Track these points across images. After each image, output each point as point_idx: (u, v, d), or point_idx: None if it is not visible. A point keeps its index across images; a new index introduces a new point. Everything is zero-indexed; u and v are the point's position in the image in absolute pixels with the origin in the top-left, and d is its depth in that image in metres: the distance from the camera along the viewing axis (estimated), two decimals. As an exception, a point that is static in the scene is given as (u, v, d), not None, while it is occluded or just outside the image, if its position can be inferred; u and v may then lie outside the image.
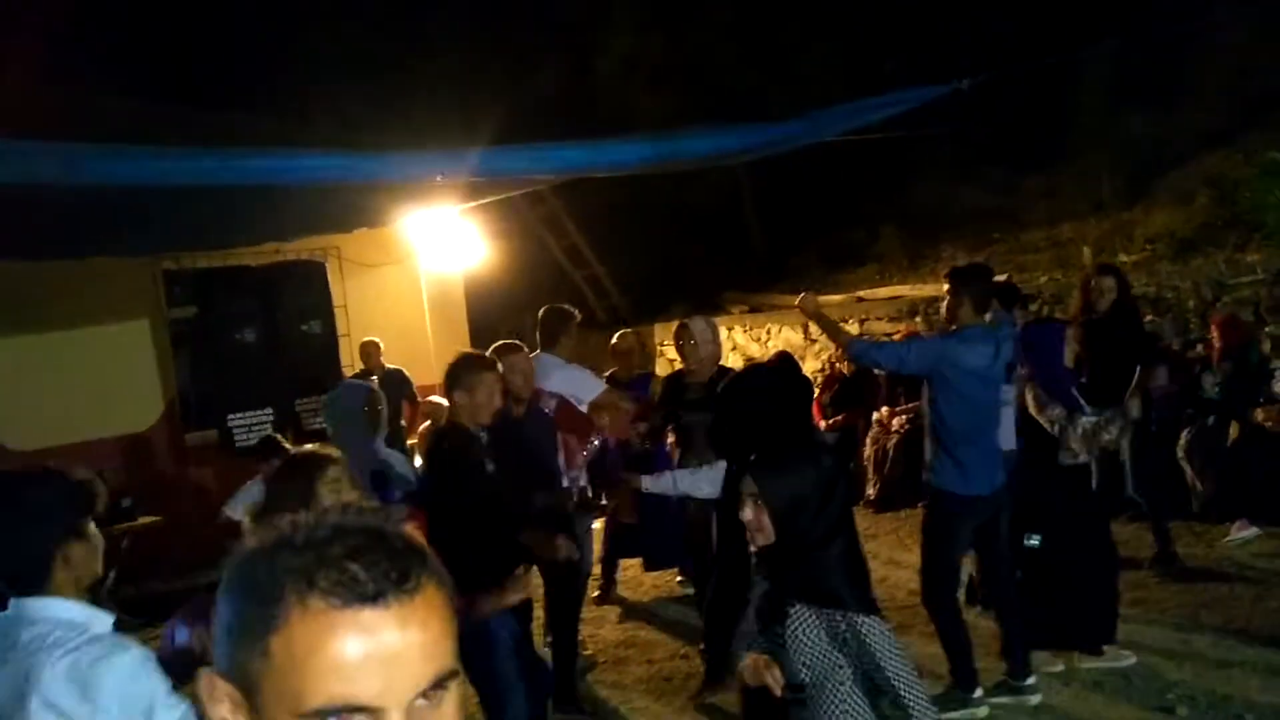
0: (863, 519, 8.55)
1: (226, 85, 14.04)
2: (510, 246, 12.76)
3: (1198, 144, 11.66)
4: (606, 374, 7.11)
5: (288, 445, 5.89)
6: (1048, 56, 9.56)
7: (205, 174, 4.32)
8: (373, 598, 0.99)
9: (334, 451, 3.01)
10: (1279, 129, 10.35)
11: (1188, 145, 11.68)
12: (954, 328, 5.04)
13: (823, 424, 9.58)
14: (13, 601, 2.05)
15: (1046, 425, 5.34)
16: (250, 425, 9.23)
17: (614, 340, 8.14)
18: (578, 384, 5.79)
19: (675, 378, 6.18)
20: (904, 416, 9.10)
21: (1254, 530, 6.82)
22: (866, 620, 2.60)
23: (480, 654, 3.87)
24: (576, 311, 6.17)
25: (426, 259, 10.85)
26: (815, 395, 9.78)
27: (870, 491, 9.13)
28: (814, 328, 11.27)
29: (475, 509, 4.07)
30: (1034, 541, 5.18)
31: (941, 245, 13.04)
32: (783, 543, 2.72)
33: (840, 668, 2.61)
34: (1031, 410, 5.39)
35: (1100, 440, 5.50)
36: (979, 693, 4.89)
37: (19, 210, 5.54)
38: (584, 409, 5.76)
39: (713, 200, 15.44)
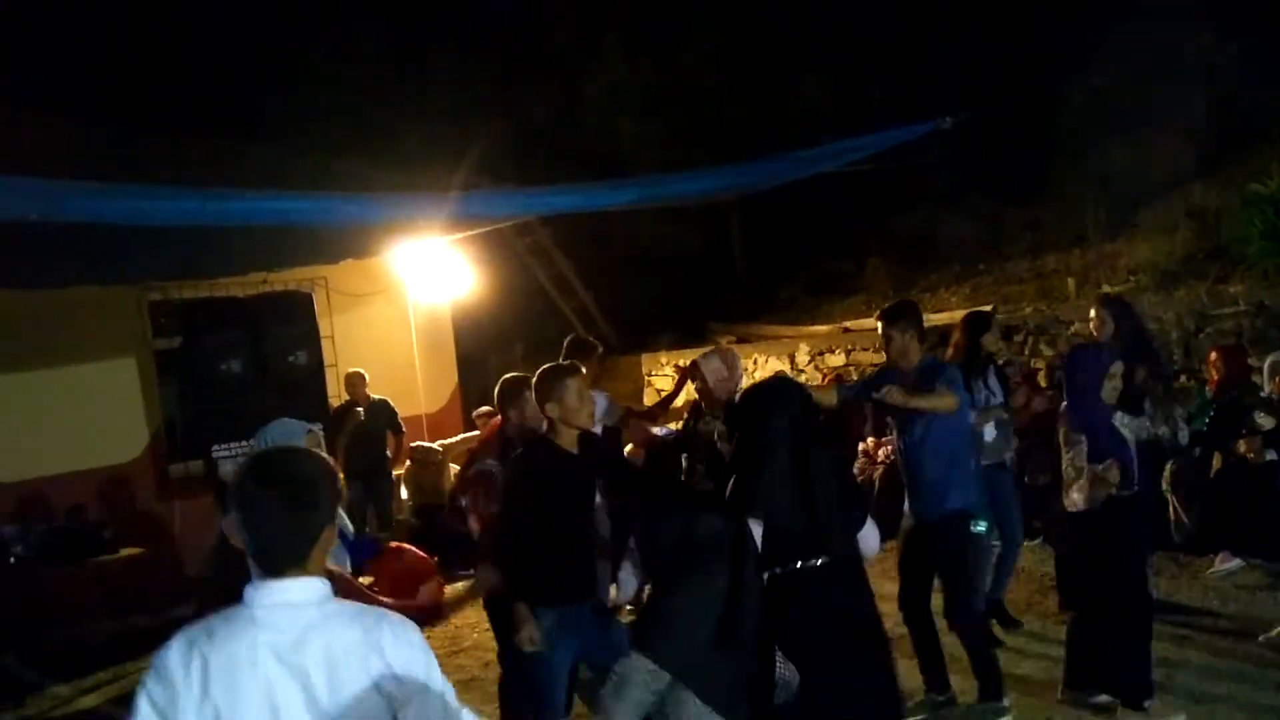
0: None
1: (217, 115, 14.09)
2: (498, 277, 12.78)
3: (1180, 175, 11.76)
4: None
5: None
6: (1029, 91, 9.67)
7: (187, 215, 4.36)
8: None
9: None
10: (1261, 160, 10.45)
11: (1170, 176, 11.78)
12: (915, 364, 5.19)
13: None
14: (268, 585, 2.07)
15: (1065, 462, 4.91)
16: (236, 457, 9.19)
17: None
18: (602, 409, 5.94)
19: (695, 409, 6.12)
20: (889, 447, 9.11)
21: (1237, 562, 6.83)
22: (682, 691, 2.63)
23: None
24: (599, 344, 6.56)
25: (414, 289, 10.88)
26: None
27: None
28: (800, 357, 11.35)
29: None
30: (980, 528, 5.25)
31: (927, 276, 13.11)
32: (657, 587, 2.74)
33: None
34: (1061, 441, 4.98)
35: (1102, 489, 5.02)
36: (1007, 701, 5.06)
37: (-2, 239, 5.56)
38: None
39: (700, 230, 15.51)
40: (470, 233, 8.67)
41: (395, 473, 9.84)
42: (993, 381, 6.43)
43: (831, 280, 14.28)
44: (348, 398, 9.48)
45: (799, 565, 3.41)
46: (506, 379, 5.35)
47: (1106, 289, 10.37)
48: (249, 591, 2.07)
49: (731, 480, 3.59)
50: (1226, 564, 6.84)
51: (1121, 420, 4.95)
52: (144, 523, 8.80)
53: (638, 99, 15.04)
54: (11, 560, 7.83)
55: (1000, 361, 8.84)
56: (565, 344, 6.43)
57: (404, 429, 9.77)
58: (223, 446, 9.07)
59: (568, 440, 4.30)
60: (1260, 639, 5.68)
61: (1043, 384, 9.38)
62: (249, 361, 9.35)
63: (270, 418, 9.56)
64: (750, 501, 3.38)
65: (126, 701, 6.72)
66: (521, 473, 4.38)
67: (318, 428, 4.79)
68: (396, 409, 9.65)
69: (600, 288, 14.87)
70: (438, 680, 2.12)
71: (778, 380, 4.10)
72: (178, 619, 7.52)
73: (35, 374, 8.71)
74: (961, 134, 10.33)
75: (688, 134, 14.01)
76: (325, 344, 10.12)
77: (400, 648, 2.08)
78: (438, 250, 10.27)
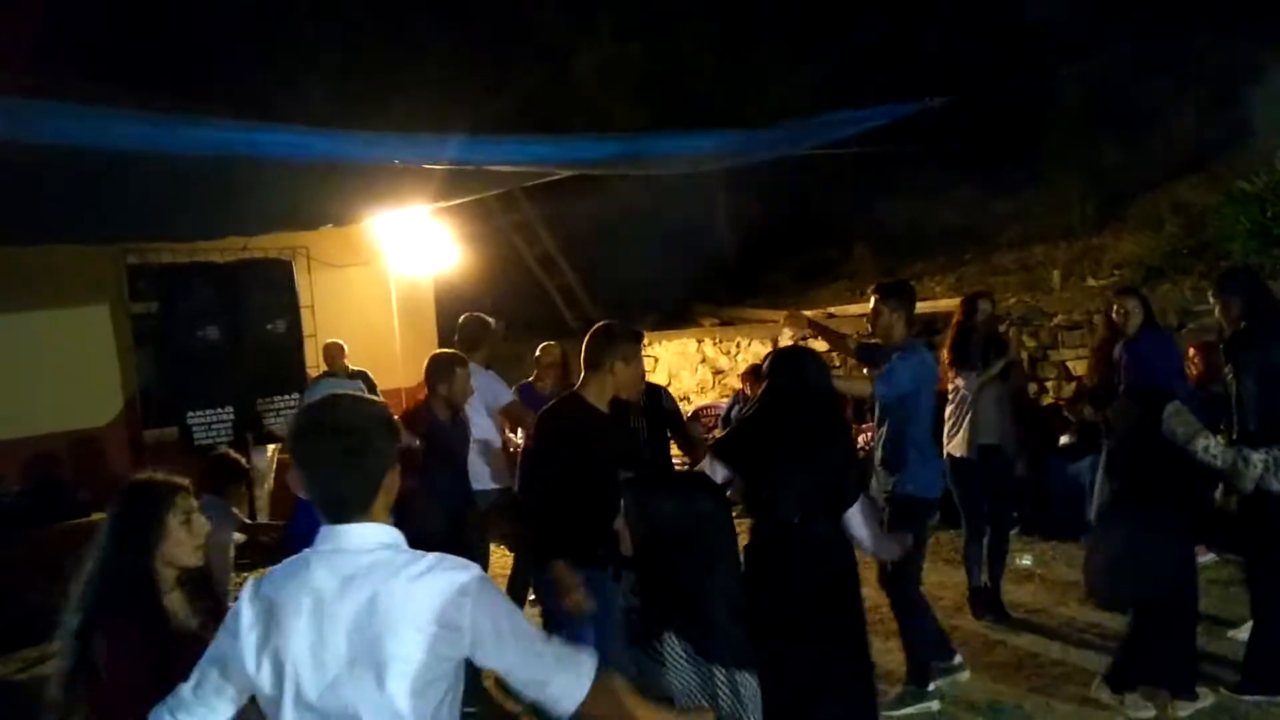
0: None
1: (200, 83, 13.92)
2: (482, 251, 12.69)
3: (1167, 171, 11.78)
4: (526, 381, 7.11)
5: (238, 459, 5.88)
6: (1020, 79, 9.64)
7: (155, 140, 4.24)
8: None
9: (184, 481, 3.00)
10: (1248, 158, 10.45)
11: (1158, 172, 11.79)
12: (898, 343, 5.22)
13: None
14: (327, 530, 2.09)
15: (1201, 454, 4.61)
16: (210, 423, 9.12)
17: (538, 350, 7.31)
18: (492, 391, 6.14)
19: None
20: (869, 434, 9.09)
21: (1211, 556, 6.85)
22: (743, 675, 2.55)
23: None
24: (493, 321, 6.54)
25: (396, 261, 10.78)
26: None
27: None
28: (784, 341, 11.28)
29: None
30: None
31: (913, 264, 13.09)
32: (658, 570, 2.65)
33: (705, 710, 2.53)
34: (1175, 435, 4.64)
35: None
36: (932, 686, 5.18)
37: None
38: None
39: (687, 212, 15.44)
40: (453, 202, 8.57)
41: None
42: (989, 356, 6.45)
43: (817, 266, 14.26)
44: (325, 368, 9.40)
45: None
46: (436, 354, 5.57)
47: (1092, 283, 10.37)
48: (317, 537, 2.11)
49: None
50: (1201, 558, 6.84)
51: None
52: (117, 486, 8.70)
53: (628, 80, 14.96)
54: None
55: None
56: (461, 321, 6.48)
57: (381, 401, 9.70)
58: (197, 413, 9.00)
59: (597, 397, 4.27)
60: (1229, 634, 5.68)
61: (1025, 374, 9.39)
62: (227, 328, 9.26)
63: (247, 386, 9.55)
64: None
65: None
66: (548, 427, 4.30)
67: (361, 386, 4.80)
68: (375, 381, 9.58)
69: (585, 266, 14.82)
70: (505, 625, 2.09)
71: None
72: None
73: (10, 334, 8.61)
74: (950, 121, 10.34)
75: (677, 118, 13.93)
76: (305, 313, 10.03)
77: (458, 593, 2.04)
78: (420, 222, 10.18)
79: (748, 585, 2.82)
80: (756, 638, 2.64)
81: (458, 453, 5.50)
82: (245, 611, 2.08)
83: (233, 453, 6.90)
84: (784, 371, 4.12)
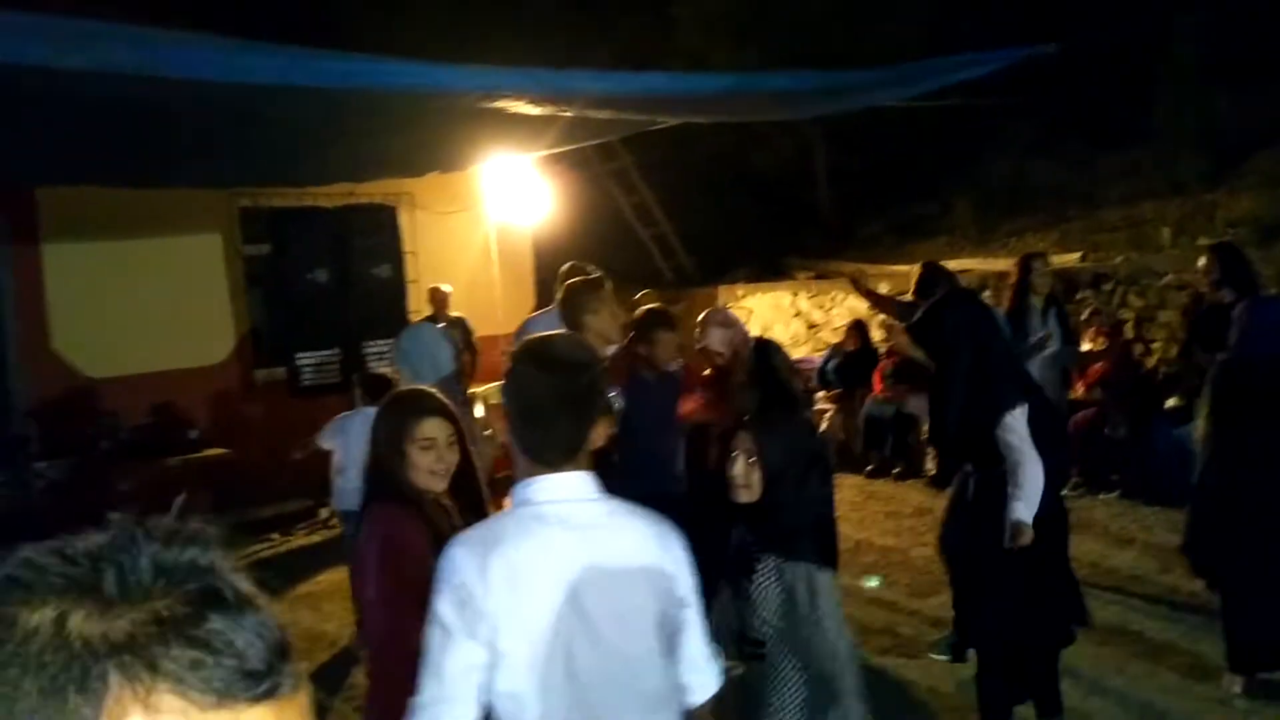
0: (921, 494, 8.53)
1: (300, 22, 14.08)
2: (579, 201, 12.76)
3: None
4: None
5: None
6: (1133, 28, 9.28)
7: (276, 72, 4.34)
8: (263, 688, 0.64)
9: (440, 395, 2.92)
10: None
11: (1277, 126, 11.33)
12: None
13: (882, 394, 9.53)
14: (540, 479, 1.98)
15: None
16: (318, 365, 9.37)
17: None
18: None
19: None
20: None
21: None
22: (821, 574, 2.83)
23: None
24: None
25: (496, 209, 10.89)
26: (878, 365, 9.74)
27: (930, 467, 9.05)
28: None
29: None
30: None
31: (1014, 220, 12.82)
32: (764, 499, 2.89)
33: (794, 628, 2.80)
34: None
35: None
36: None
37: (91, 133, 5.65)
38: None
39: (784, 165, 15.31)
40: (554, 150, 8.63)
41: (470, 390, 9.94)
42: (1051, 322, 6.51)
43: (915, 221, 14.03)
44: (429, 312, 9.59)
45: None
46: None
47: (1204, 241, 10.06)
48: (522, 489, 1.99)
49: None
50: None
51: None
52: (228, 425, 9.01)
53: (731, 27, 14.78)
54: (99, 454, 8.08)
55: (1087, 312, 8.73)
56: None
57: (479, 348, 9.86)
58: (305, 354, 9.24)
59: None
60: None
61: (1130, 335, 9.19)
62: (334, 272, 9.47)
63: (353, 328, 9.75)
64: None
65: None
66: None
67: (453, 330, 4.85)
68: (474, 328, 9.73)
69: (680, 217, 14.80)
70: (695, 587, 2.06)
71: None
72: (257, 520, 7.76)
73: (129, 273, 8.91)
74: (1059, 73, 10.02)
75: (781, 65, 13.76)
76: (407, 259, 10.20)
77: (684, 552, 2.03)
78: (520, 171, 10.27)
79: None
80: None
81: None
82: (469, 571, 1.89)
83: (388, 371, 7.11)
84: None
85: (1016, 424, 3.80)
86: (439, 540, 2.20)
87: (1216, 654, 4.94)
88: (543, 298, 11.75)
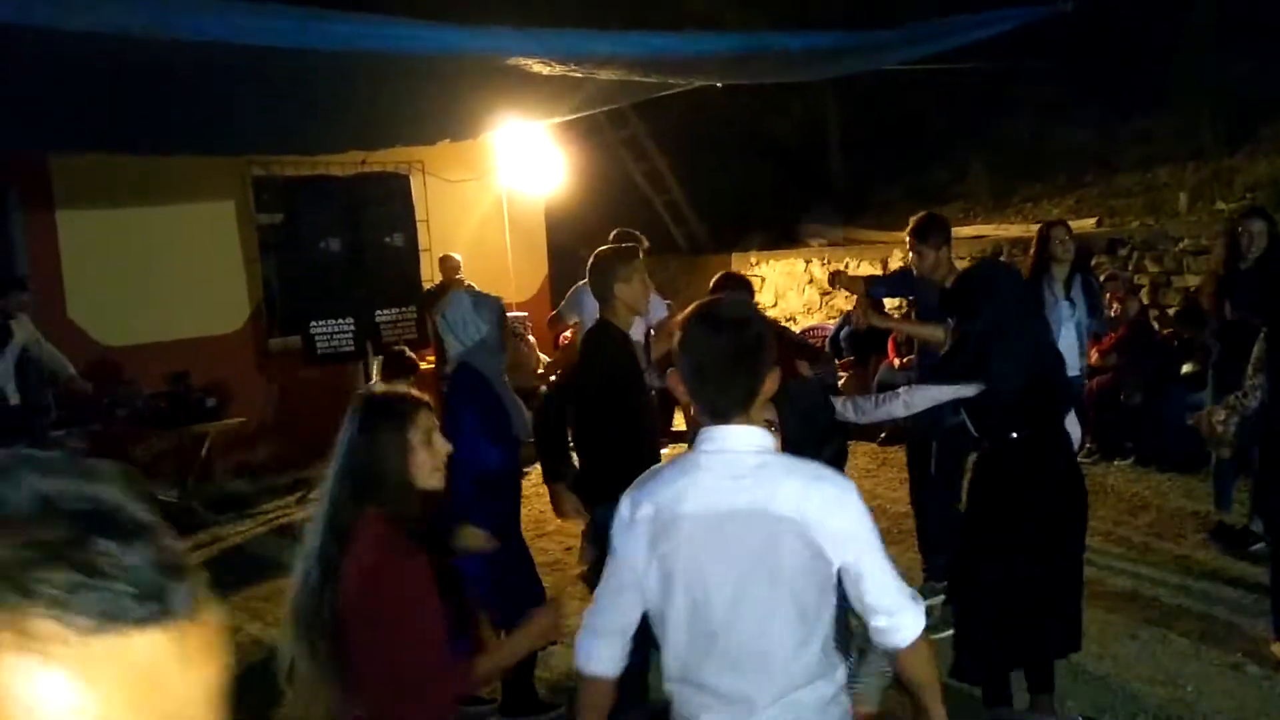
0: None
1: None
2: (591, 169, 12.71)
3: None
4: None
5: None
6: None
7: (286, 34, 4.32)
8: (151, 610, 0.62)
9: (424, 396, 2.72)
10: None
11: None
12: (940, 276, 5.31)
13: (896, 362, 9.51)
14: (711, 429, 2.10)
15: None
16: (332, 334, 9.37)
17: None
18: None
19: None
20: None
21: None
22: None
23: None
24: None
25: (509, 178, 10.88)
26: (892, 333, 9.70)
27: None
28: (893, 263, 11.14)
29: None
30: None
31: (1030, 186, 12.74)
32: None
33: None
34: None
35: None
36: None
37: (102, 99, 5.65)
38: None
39: (797, 131, 15.21)
40: (568, 118, 8.60)
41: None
42: (1076, 293, 6.35)
43: (930, 187, 13.93)
44: (440, 280, 9.62)
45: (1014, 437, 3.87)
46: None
47: (1221, 206, 9.99)
48: (698, 439, 2.12)
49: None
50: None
51: None
52: (243, 393, 9.06)
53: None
54: (117, 422, 8.14)
55: (1103, 277, 8.66)
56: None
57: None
58: (320, 323, 9.26)
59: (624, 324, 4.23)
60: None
61: (1145, 301, 9.14)
62: (347, 241, 9.43)
63: (367, 297, 9.76)
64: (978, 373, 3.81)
65: (223, 563, 7.04)
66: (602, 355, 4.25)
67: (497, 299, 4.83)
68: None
69: (693, 184, 14.73)
70: (875, 543, 2.11)
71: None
72: (275, 486, 7.82)
73: (144, 242, 8.95)
74: (1074, 35, 9.87)
75: (792, 25, 13.60)
76: (420, 228, 10.19)
77: (838, 505, 2.07)
78: (532, 138, 10.24)
79: None
80: None
81: None
82: (626, 512, 2.10)
83: (408, 350, 7.16)
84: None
85: (940, 394, 4.00)
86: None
87: (1227, 620, 4.95)
88: (554, 266, 11.76)
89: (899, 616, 2.12)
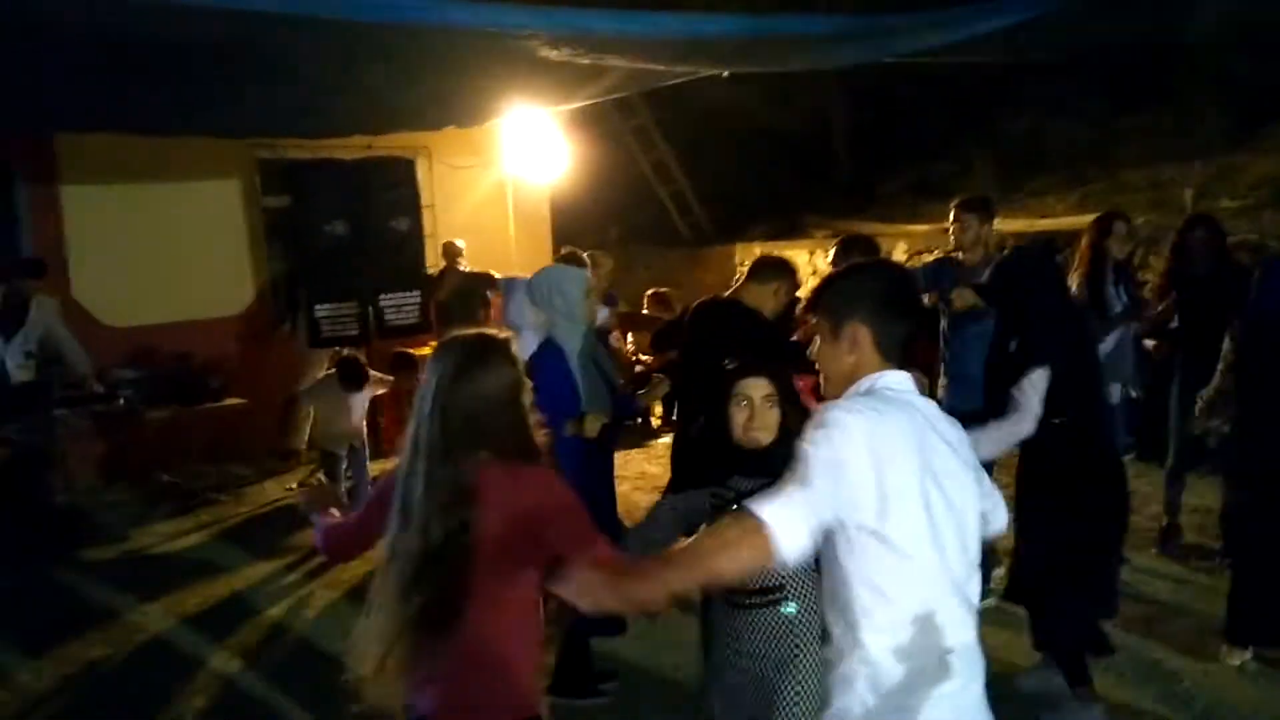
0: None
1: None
2: (598, 158, 12.71)
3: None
4: None
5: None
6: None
7: (300, 3, 4.32)
8: None
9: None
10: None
11: (1302, 89, 11.19)
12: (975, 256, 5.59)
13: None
14: (892, 374, 2.29)
15: None
16: (336, 317, 9.40)
17: None
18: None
19: None
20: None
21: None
22: None
23: None
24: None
25: (514, 164, 10.88)
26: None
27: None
28: (897, 256, 11.16)
29: None
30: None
31: (1033, 181, 12.73)
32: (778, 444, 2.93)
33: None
34: None
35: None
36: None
37: (106, 78, 5.65)
38: None
39: (802, 123, 15.20)
40: (574, 105, 8.60)
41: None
42: (1120, 289, 6.05)
43: (933, 181, 13.93)
44: (444, 265, 9.64)
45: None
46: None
47: (1226, 203, 9.99)
48: (873, 381, 2.27)
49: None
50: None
51: None
52: (248, 375, 9.06)
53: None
54: (121, 403, 8.15)
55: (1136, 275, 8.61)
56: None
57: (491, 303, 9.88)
58: (324, 306, 9.28)
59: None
60: None
61: (1149, 296, 9.12)
62: (352, 225, 9.47)
63: (372, 281, 9.77)
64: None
65: (227, 542, 6.98)
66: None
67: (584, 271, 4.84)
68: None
69: (698, 175, 14.73)
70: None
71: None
72: (278, 468, 7.79)
73: (149, 224, 8.95)
74: (1079, 30, 9.83)
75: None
76: (425, 212, 10.21)
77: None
78: (538, 125, 10.23)
79: None
80: None
81: None
82: (842, 438, 2.11)
83: (411, 350, 7.24)
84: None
85: (1034, 385, 3.63)
86: None
87: (1224, 616, 4.97)
88: (558, 254, 11.74)
89: (1000, 507, 2.46)
